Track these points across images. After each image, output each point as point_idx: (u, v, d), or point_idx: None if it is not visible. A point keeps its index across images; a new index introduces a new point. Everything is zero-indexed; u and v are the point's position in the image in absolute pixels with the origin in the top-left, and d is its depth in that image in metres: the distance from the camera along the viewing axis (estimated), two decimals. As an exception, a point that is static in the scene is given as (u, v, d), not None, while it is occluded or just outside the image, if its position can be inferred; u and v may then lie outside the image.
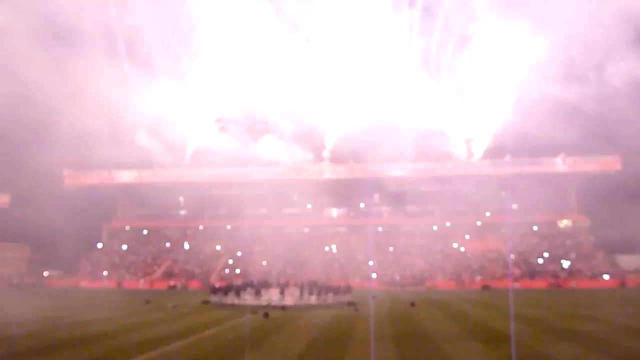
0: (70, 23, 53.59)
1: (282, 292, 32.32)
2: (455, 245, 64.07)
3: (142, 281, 58.01)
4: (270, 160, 64.72)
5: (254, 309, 26.53)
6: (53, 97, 49.89)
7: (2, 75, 46.72)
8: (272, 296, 32.05)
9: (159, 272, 61.71)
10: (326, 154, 66.88)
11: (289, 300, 31.18)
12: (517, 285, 52.74)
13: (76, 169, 67.52)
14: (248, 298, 31.99)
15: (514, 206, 67.17)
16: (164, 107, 60.88)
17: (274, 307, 28.12)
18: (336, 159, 66.72)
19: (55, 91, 50.09)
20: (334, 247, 65.32)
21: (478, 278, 55.58)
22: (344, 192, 64.37)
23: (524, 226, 64.27)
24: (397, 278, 56.65)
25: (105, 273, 60.87)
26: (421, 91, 62.98)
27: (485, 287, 51.26)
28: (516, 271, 56.87)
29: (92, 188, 66.61)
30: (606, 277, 54.12)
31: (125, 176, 68.22)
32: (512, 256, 60.37)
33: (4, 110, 49.65)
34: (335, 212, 74.10)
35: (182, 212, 74.59)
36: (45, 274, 61.95)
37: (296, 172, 66.58)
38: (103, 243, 69.83)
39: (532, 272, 56.51)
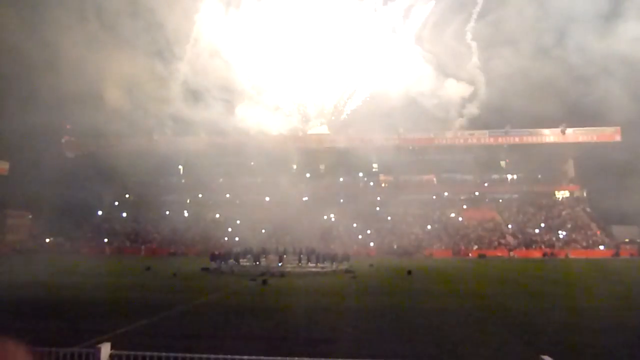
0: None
1: (280, 259, 32.85)
2: (452, 214, 64.60)
3: (142, 248, 58.72)
4: (267, 129, 64.70)
5: (252, 276, 27.03)
6: (56, 61, 49.34)
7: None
8: (270, 263, 32.59)
9: (159, 240, 62.38)
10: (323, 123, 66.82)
11: (287, 267, 31.73)
12: (513, 254, 53.51)
13: (76, 136, 67.45)
14: (247, 265, 32.54)
15: (512, 176, 67.51)
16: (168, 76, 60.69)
17: (273, 274, 28.63)
18: (334, 128, 66.63)
19: (59, 56, 49.51)
20: (332, 215, 65.79)
21: (474, 247, 56.35)
22: (343, 161, 64.44)
23: (521, 196, 64.79)
24: (395, 247, 57.39)
25: (105, 240, 61.53)
26: (418, 61, 62.49)
27: (481, 256, 52.08)
28: (512, 241, 57.60)
29: (92, 156, 66.51)
30: (601, 247, 54.89)
31: (126, 144, 68.07)
32: (509, 226, 61.01)
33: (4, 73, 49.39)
34: (334, 180, 74.28)
35: (182, 181, 74.80)
36: (47, 240, 62.62)
37: (295, 141, 66.50)
38: (103, 211, 70.31)
39: (528, 242, 57.24)
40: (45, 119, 52.37)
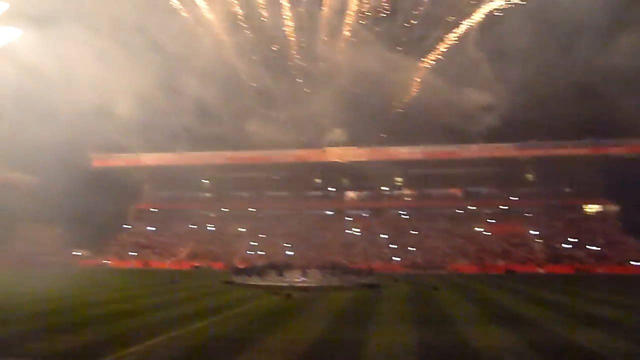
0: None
1: (304, 274, 32.61)
2: (478, 229, 63.43)
3: (167, 261, 59.28)
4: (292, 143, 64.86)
5: (276, 290, 26.85)
6: (84, 80, 50.71)
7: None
8: (294, 277, 32.38)
9: (184, 253, 62.94)
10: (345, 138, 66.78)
11: (311, 282, 31.46)
12: (541, 270, 52.08)
13: (103, 151, 68.99)
14: (270, 279, 32.39)
15: (539, 190, 65.93)
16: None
17: (296, 289, 28.39)
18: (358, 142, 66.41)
19: (86, 75, 50.90)
20: (355, 229, 65.42)
21: (501, 262, 55.08)
22: (366, 174, 64.13)
23: (549, 210, 63.22)
24: (419, 261, 56.57)
25: (132, 253, 62.41)
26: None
27: (509, 272, 50.80)
28: (540, 256, 56.14)
29: (118, 170, 67.86)
30: (635, 263, 52.95)
31: (151, 159, 69.30)
32: (537, 240, 59.54)
33: (36, 91, 50.98)
34: (357, 194, 74.11)
35: (207, 195, 75.63)
36: (75, 253, 63.77)
37: (319, 155, 66.66)
38: (130, 224, 71.43)
39: (557, 257, 55.67)
40: (73, 135, 53.67)
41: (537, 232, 60.81)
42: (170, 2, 58.47)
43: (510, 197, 67.64)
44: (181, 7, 58.38)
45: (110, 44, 54.54)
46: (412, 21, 57.70)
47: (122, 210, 71.71)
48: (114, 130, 58.54)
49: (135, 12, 54.79)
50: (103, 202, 62.28)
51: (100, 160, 69.28)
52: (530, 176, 67.54)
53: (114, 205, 66.71)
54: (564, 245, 58.10)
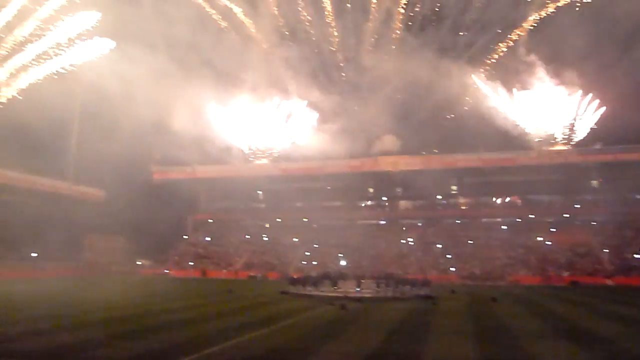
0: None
1: (358, 284, 32.44)
2: (539, 238, 60.71)
3: (224, 271, 60.74)
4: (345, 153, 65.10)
5: (331, 301, 26.85)
6: (145, 99, 53.32)
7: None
8: (348, 288, 32.27)
9: (239, 263, 64.27)
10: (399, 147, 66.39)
11: (365, 293, 31.24)
12: (609, 282, 49.06)
13: (163, 165, 71.96)
14: (325, 289, 32.43)
15: (605, 197, 62.19)
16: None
17: (351, 299, 28.26)
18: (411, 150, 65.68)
19: (147, 94, 53.52)
20: (410, 239, 64.42)
21: (565, 273, 52.41)
22: (420, 183, 63.16)
23: (617, 218, 59.44)
24: (477, 272, 54.85)
25: (190, 263, 64.47)
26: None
27: (574, 283, 48.21)
28: (608, 267, 52.96)
29: (177, 183, 70.46)
30: None
31: (208, 171, 71.52)
32: (604, 250, 56.18)
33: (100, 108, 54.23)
34: (411, 204, 73.10)
35: (262, 206, 77.03)
36: (138, 263, 66.63)
37: (372, 164, 66.40)
38: (188, 235, 73.86)
39: (627, 268, 52.26)
40: (136, 150, 56.48)
41: (604, 242, 57.38)
42: (219, 22, 61.12)
43: (574, 205, 64.39)
44: (228, 25, 60.84)
45: (166, 62, 57.44)
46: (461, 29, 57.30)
47: (181, 222, 74.32)
48: (173, 145, 61.12)
49: (187, 31, 57.47)
50: (163, 214, 64.97)
51: (161, 174, 72.23)
52: (595, 183, 64.07)
53: (173, 216, 69.39)
54: (635, 255, 54.47)
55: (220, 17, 62.29)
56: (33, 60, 50.77)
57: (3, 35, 48.80)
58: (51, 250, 55.55)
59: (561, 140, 62.42)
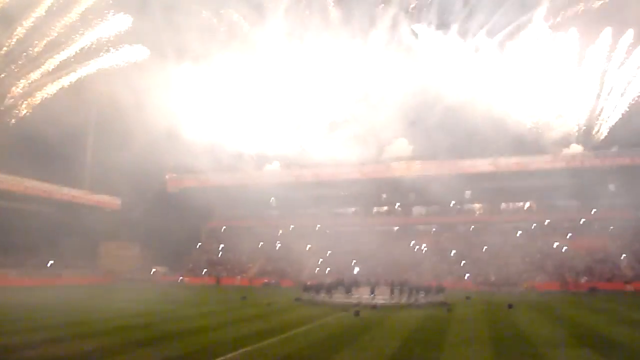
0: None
1: (372, 291, 32.29)
2: (556, 244, 59.85)
3: (238, 278, 60.87)
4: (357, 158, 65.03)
5: (345, 307, 26.77)
6: (156, 107, 54.02)
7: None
8: (362, 295, 32.15)
9: (253, 270, 64.35)
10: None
11: (379, 299, 31.08)
12: (629, 287, 48.12)
13: (178, 173, 72.52)
14: (339, 296, 32.33)
15: (624, 201, 61.09)
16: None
17: (365, 306, 28.14)
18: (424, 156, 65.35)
19: (158, 102, 54.23)
20: (424, 245, 63.96)
21: (584, 279, 51.55)
22: (434, 189, 62.78)
23: (636, 223, 58.37)
24: (492, 278, 54.20)
25: (204, 270, 64.74)
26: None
27: (593, 290, 47.38)
28: (628, 272, 51.99)
29: (191, 190, 70.88)
30: None
31: (221, 178, 71.89)
32: (623, 255, 55.19)
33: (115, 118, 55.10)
34: (425, 209, 72.61)
35: (274, 212, 77.15)
36: (153, 270, 67.14)
37: (385, 170, 66.16)
38: (202, 242, 74.21)
39: (648, 274, 51.25)
40: (151, 158, 57.08)
41: (622, 247, 56.38)
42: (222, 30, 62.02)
43: (591, 210, 63.38)
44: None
45: (179, 70, 58.28)
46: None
47: (195, 229, 74.67)
48: (186, 152, 61.74)
49: (198, 41, 58.34)
50: (178, 222, 65.46)
51: (175, 182, 72.73)
52: (612, 186, 63.01)
53: (188, 224, 69.79)
54: (654, 260, 53.44)
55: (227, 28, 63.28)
56: (53, 70, 51.79)
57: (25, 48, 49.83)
58: (67, 258, 56.27)
59: (579, 137, 61.34)
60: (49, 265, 55.56)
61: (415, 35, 62.39)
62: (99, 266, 64.72)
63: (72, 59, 51.82)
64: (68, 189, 62.21)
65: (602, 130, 60.36)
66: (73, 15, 49.56)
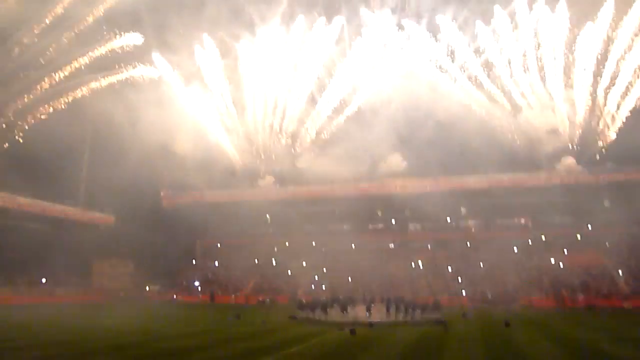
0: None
1: (368, 309, 31.99)
2: (552, 260, 59.73)
3: (233, 296, 60.20)
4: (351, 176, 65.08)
5: (340, 325, 26.45)
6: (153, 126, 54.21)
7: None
8: (358, 312, 31.84)
9: (248, 288, 63.71)
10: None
11: (375, 317, 30.77)
12: (626, 304, 47.90)
13: (172, 190, 72.23)
14: (334, 314, 32.01)
15: (619, 217, 61.24)
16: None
17: (361, 324, 27.82)
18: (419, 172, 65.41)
19: (155, 121, 54.44)
20: (420, 262, 63.69)
21: (580, 296, 51.31)
22: (429, 205, 62.75)
23: (632, 239, 58.45)
24: (489, 295, 53.90)
25: (199, 288, 64.05)
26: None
27: (590, 307, 47.12)
28: (625, 289, 51.84)
29: (186, 208, 70.52)
30: None
31: (216, 195, 71.64)
32: (620, 271, 55.09)
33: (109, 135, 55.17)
34: (420, 226, 72.41)
35: (269, 230, 76.70)
36: (147, 288, 66.37)
37: (380, 187, 66.17)
38: (197, 259, 73.55)
39: (645, 290, 51.08)
40: (145, 175, 56.96)
41: (618, 263, 56.32)
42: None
43: (586, 226, 63.44)
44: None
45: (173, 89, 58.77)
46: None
47: (190, 247, 74.07)
48: (181, 169, 61.63)
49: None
50: (172, 239, 64.95)
51: (169, 199, 72.37)
52: (606, 203, 63.18)
53: (182, 241, 69.31)
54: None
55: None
56: (48, 91, 51.77)
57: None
58: (60, 276, 55.61)
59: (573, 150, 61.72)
60: (42, 282, 54.85)
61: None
62: (92, 284, 63.95)
63: (67, 78, 51.94)
64: (61, 205, 61.78)
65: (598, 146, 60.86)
66: (69, 34, 49.84)
